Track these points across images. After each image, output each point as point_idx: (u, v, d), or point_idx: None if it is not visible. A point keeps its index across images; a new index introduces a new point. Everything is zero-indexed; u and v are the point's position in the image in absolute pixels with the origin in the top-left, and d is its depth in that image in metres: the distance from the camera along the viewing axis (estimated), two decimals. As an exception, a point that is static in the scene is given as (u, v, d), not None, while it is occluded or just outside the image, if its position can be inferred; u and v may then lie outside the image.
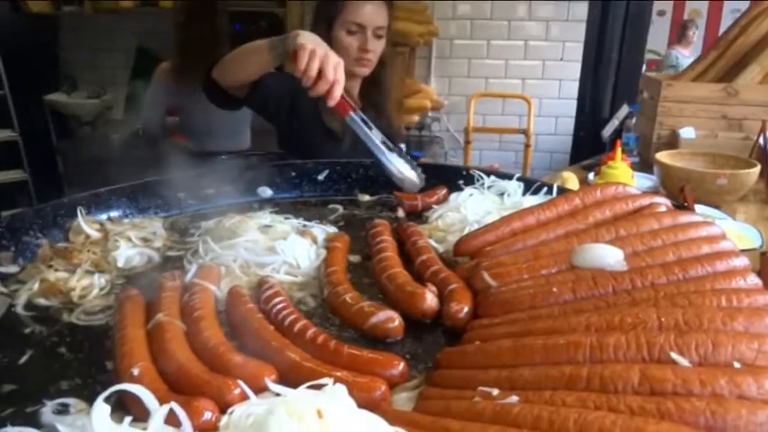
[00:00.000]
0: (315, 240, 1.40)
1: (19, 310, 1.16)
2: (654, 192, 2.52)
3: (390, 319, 1.03)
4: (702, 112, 3.09)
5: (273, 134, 2.50)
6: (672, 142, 3.09)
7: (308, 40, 1.64)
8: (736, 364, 0.72)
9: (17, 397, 0.91)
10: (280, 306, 1.07)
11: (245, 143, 3.60)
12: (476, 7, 4.99)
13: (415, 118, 4.78)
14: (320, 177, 1.84)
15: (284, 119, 2.31)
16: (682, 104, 3.12)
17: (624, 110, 3.86)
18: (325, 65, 1.59)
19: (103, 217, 1.53)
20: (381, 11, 2.23)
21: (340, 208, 1.72)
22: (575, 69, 5.01)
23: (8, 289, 1.24)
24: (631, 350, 0.76)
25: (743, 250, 1.08)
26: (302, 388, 0.73)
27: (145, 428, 0.71)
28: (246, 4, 4.86)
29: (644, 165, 3.16)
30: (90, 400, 0.77)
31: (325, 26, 2.20)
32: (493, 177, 1.66)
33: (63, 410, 0.85)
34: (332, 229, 1.50)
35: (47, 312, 1.16)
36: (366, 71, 2.27)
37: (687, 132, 3.04)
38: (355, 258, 1.39)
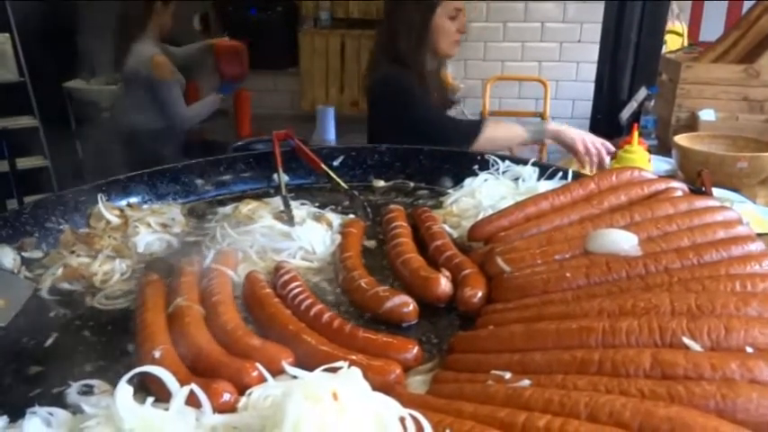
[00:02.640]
0: (330, 225, 1.41)
1: (44, 294, 1.20)
2: (671, 176, 2.50)
3: (405, 304, 1.05)
4: (723, 93, 3.04)
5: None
6: (691, 125, 3.04)
7: (577, 137, 2.26)
8: (749, 349, 0.72)
9: (44, 378, 0.94)
10: (296, 291, 1.09)
11: (152, 123, 3.70)
12: (491, -11, 4.92)
13: (431, 102, 4.75)
14: (336, 163, 1.84)
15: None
16: (701, 86, 3.06)
17: (642, 92, 3.80)
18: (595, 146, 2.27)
19: (123, 203, 1.56)
20: None
21: (355, 193, 1.73)
22: (592, 51, 4.92)
23: (33, 273, 1.27)
24: (643, 335, 0.77)
25: (760, 234, 1.08)
26: (318, 371, 0.75)
27: (166, 409, 0.73)
28: (261, -12, 4.86)
29: (662, 148, 3.11)
30: (113, 382, 0.80)
31: (424, 13, 2.42)
32: (508, 162, 1.66)
33: (87, 391, 0.89)
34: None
35: (70, 296, 1.19)
36: (458, 50, 2.54)
37: (707, 115, 2.99)
38: (370, 243, 1.40)
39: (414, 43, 2.46)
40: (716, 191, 2.13)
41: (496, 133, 2.42)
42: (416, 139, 2.51)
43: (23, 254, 1.32)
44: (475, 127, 2.47)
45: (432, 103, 2.58)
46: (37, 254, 1.34)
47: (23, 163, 4.89)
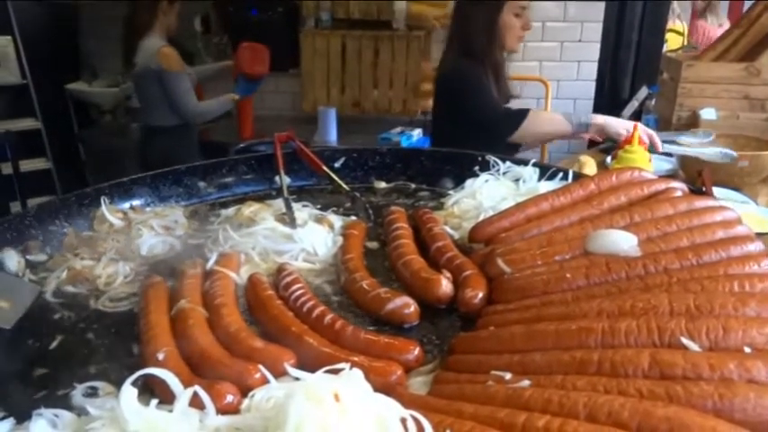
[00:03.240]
0: (332, 227, 1.42)
1: (48, 296, 1.21)
2: (672, 175, 2.50)
3: (406, 305, 1.06)
4: (724, 92, 3.03)
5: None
6: (692, 124, 3.04)
7: (622, 129, 2.35)
8: (747, 349, 0.73)
9: (49, 380, 0.95)
10: (298, 293, 1.10)
11: (166, 120, 3.71)
12: (492, -11, 4.91)
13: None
14: (337, 165, 1.85)
15: None
16: (703, 85, 3.06)
17: (644, 91, 3.80)
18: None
19: (126, 206, 1.57)
20: None
21: (357, 195, 1.74)
22: (593, 50, 4.92)
23: (37, 276, 1.29)
24: (642, 335, 0.78)
25: (759, 234, 1.08)
26: (320, 372, 0.75)
27: (170, 411, 0.74)
28: (262, -11, 4.86)
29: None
30: (118, 384, 0.81)
31: (492, 12, 2.53)
32: (508, 163, 1.66)
33: (92, 393, 0.90)
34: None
35: (74, 299, 1.20)
36: (520, 45, 2.65)
37: (708, 113, 2.99)
38: (372, 245, 1.41)
39: (486, 41, 2.56)
40: (717, 190, 2.13)
41: (539, 122, 2.49)
42: (473, 128, 2.55)
43: (28, 257, 1.33)
44: (518, 116, 2.51)
45: (492, 92, 2.65)
46: (41, 257, 1.35)
47: (26, 165, 4.89)
